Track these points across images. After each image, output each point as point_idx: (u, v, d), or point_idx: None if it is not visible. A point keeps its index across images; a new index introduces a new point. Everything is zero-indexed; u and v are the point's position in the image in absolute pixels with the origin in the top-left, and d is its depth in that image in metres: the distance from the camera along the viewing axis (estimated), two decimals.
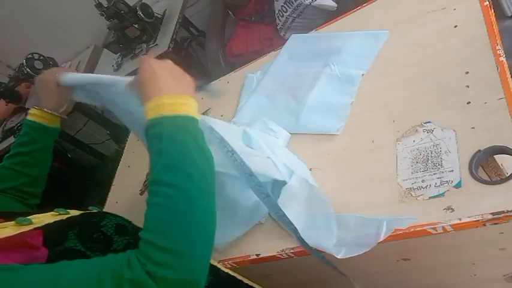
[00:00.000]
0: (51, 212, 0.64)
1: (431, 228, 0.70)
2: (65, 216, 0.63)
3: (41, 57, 2.38)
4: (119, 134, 2.74)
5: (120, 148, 2.41)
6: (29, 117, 0.90)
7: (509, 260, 0.81)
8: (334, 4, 1.68)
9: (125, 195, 1.32)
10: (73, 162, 3.26)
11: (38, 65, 2.37)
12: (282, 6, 1.86)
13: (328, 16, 1.68)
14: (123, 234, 0.61)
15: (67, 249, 0.55)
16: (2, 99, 2.54)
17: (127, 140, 1.63)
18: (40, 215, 0.63)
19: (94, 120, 2.78)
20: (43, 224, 0.58)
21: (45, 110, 0.90)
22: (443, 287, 0.98)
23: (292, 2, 1.79)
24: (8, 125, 2.72)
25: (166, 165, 0.51)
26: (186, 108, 0.56)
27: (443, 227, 0.69)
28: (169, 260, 0.46)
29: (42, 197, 0.92)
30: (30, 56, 2.34)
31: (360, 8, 1.17)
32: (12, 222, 0.59)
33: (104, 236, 0.59)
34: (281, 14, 1.88)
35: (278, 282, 1.04)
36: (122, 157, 1.56)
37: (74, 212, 0.65)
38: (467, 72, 0.83)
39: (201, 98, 1.37)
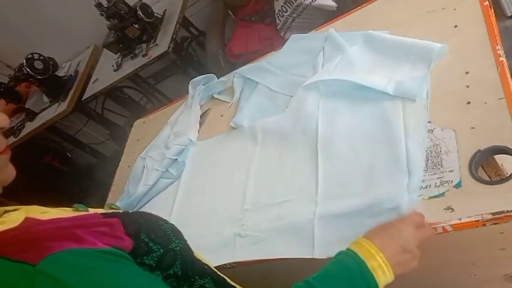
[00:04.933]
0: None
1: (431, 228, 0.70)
2: (120, 210, 0.65)
3: (41, 57, 2.38)
4: (119, 134, 2.74)
5: (120, 148, 2.41)
6: None
7: (509, 260, 0.81)
8: (334, 4, 1.68)
9: None
10: (73, 162, 3.26)
11: (38, 65, 2.37)
12: (282, 6, 1.85)
13: (328, 16, 1.68)
14: (178, 237, 0.61)
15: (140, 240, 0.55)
16: (2, 99, 2.54)
17: (127, 140, 1.63)
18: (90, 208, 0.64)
19: (94, 120, 2.78)
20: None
21: None
22: (443, 287, 0.98)
23: (292, 2, 1.79)
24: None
25: None
26: (383, 280, 0.60)
27: (443, 227, 0.69)
28: None
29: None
30: (30, 56, 2.33)
31: (360, 8, 1.17)
32: (70, 209, 0.60)
33: (164, 233, 0.59)
34: (281, 14, 1.88)
35: (278, 283, 1.04)
36: (122, 157, 1.56)
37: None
38: (467, 72, 0.83)
39: (201, 104, 1.39)
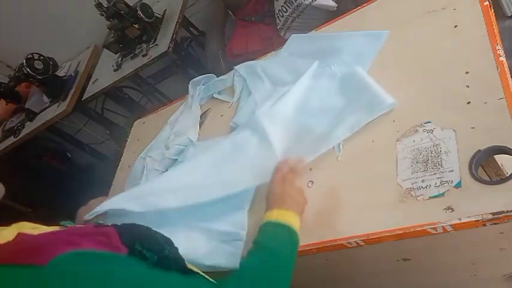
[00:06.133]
0: None
1: (431, 228, 0.70)
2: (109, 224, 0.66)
3: (41, 57, 2.37)
4: (119, 134, 2.74)
5: (120, 148, 2.41)
6: None
7: (509, 260, 0.81)
8: (334, 4, 1.68)
9: None
10: (73, 162, 3.26)
11: (38, 65, 2.36)
12: (282, 6, 1.85)
13: (328, 16, 1.68)
14: (170, 245, 0.62)
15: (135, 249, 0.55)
16: (2, 99, 2.54)
17: (127, 140, 1.63)
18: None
19: (94, 120, 2.78)
20: None
21: None
22: (443, 287, 0.98)
23: (292, 2, 1.79)
24: (8, 125, 2.72)
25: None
26: (294, 221, 0.79)
27: (443, 227, 0.69)
28: None
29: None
30: (30, 56, 2.33)
31: (360, 8, 1.17)
32: (58, 227, 0.60)
33: (156, 242, 0.60)
34: (281, 14, 1.88)
35: None
36: (122, 157, 1.56)
37: None
38: (467, 72, 0.83)
39: (201, 104, 1.39)
